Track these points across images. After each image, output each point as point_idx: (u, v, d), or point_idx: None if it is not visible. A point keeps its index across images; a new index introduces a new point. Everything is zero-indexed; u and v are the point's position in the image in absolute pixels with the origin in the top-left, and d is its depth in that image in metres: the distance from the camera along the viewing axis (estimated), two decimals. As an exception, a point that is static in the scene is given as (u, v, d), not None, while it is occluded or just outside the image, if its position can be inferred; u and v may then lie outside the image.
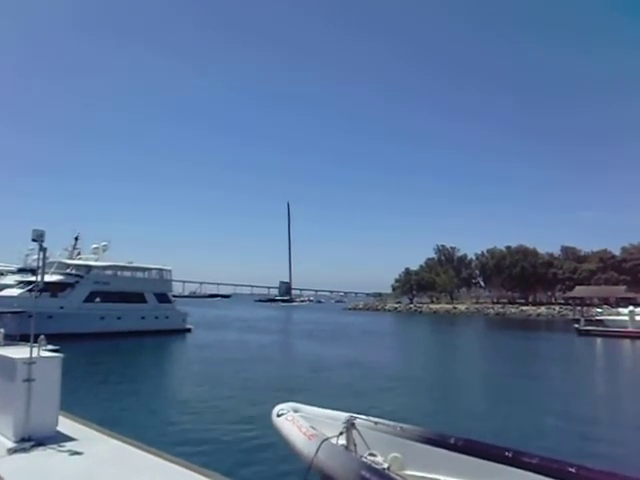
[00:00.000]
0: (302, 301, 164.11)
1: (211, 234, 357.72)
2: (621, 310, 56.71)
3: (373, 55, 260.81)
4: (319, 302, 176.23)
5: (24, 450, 6.61)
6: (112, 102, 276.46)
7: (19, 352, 7.50)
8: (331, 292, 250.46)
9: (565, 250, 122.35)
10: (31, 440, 6.87)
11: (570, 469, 5.42)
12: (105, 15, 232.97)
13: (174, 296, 51.88)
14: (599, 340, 45.32)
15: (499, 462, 5.89)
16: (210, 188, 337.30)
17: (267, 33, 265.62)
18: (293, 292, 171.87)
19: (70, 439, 7.18)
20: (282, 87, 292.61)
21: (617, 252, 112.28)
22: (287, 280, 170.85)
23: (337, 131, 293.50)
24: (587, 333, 49.53)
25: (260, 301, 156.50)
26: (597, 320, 54.78)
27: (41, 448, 6.74)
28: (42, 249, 7.41)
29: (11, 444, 6.77)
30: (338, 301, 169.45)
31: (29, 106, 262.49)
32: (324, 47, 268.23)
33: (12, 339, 17.69)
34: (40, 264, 7.61)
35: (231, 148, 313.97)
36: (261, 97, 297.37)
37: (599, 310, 66.37)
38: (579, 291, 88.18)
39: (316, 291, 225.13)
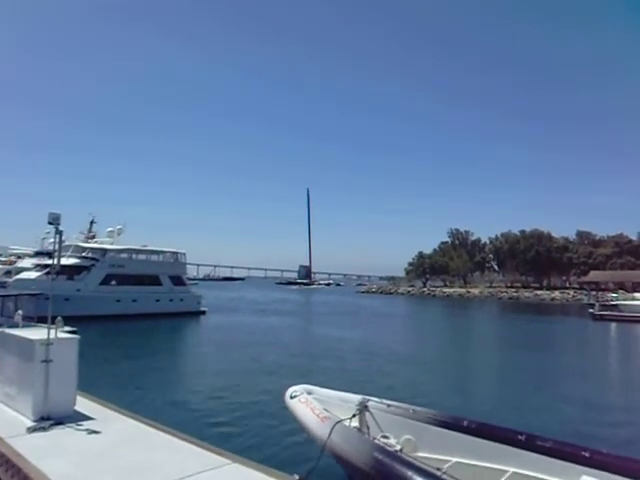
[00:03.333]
0: (319, 284, 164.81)
1: (224, 217, 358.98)
2: (637, 295, 56.23)
3: (374, 38, 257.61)
4: (338, 285, 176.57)
5: (43, 429, 6.74)
6: (128, 86, 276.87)
7: (37, 333, 7.62)
8: (344, 275, 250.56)
9: (580, 234, 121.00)
10: (50, 419, 7.00)
11: (584, 453, 5.42)
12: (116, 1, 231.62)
13: (190, 279, 52.05)
14: (614, 325, 44.95)
15: (512, 445, 5.90)
16: (224, 172, 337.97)
17: (280, 21, 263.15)
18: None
19: (88, 418, 7.32)
20: (299, 74, 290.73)
21: (634, 236, 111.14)
22: (306, 264, 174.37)
23: (340, 114, 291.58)
24: (602, 318, 49.17)
25: (281, 284, 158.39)
26: (612, 305, 54.30)
27: (60, 427, 6.87)
28: (58, 232, 7.46)
29: (30, 423, 6.91)
30: (360, 284, 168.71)
31: (47, 89, 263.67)
32: (338, 34, 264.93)
33: (30, 321, 18.04)
34: (56, 247, 7.68)
35: (245, 133, 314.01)
36: (278, 83, 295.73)
37: (614, 295, 65.75)
38: (594, 276, 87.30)
39: (329, 274, 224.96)
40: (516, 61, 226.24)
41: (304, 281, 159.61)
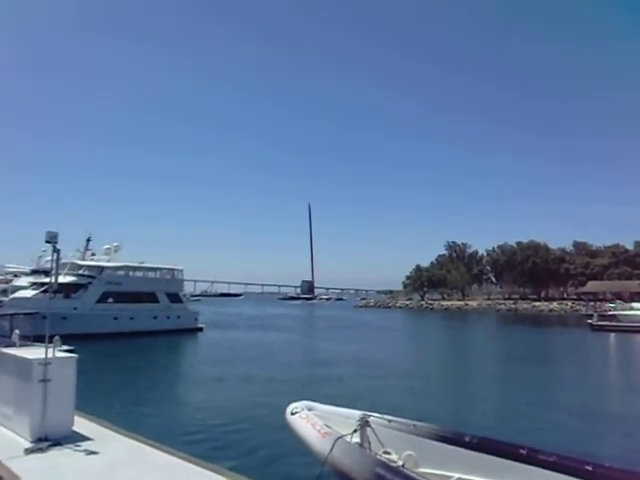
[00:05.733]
0: (321, 299, 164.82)
1: (220, 233, 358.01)
2: (634, 305, 56.14)
3: (372, 49, 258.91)
4: (339, 300, 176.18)
5: (41, 450, 6.67)
6: (122, 101, 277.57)
7: (35, 353, 7.56)
8: (342, 290, 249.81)
9: (577, 245, 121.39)
10: (48, 440, 6.93)
11: (587, 467, 5.38)
12: (114, 14, 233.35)
13: (193, 296, 51.69)
14: (613, 335, 44.92)
15: (514, 460, 5.86)
16: (219, 187, 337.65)
17: (276, 33, 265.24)
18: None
19: (86, 439, 7.24)
20: (297, 85, 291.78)
21: (630, 246, 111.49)
22: (305, 278, 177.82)
23: (337, 126, 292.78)
24: (600, 328, 49.13)
25: (284, 299, 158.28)
26: (610, 315, 54.32)
27: (57, 448, 6.79)
28: (56, 250, 7.45)
29: (28, 444, 6.83)
30: (363, 298, 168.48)
31: (40, 106, 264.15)
32: (332, 45, 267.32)
33: (26, 340, 17.89)
34: (54, 265, 7.66)
35: (241, 146, 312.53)
36: (275, 95, 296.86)
37: (612, 305, 65.77)
38: (592, 286, 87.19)
39: (327, 289, 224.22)
40: (512, 71, 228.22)
41: (307, 296, 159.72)
